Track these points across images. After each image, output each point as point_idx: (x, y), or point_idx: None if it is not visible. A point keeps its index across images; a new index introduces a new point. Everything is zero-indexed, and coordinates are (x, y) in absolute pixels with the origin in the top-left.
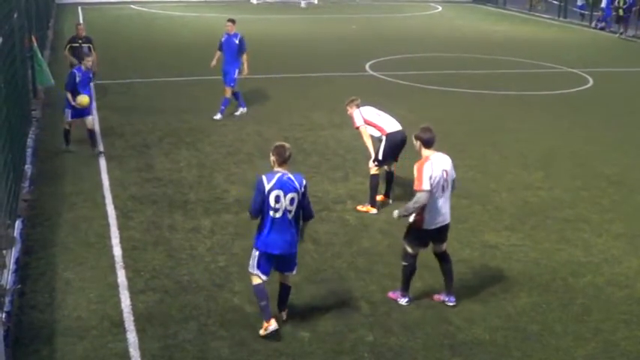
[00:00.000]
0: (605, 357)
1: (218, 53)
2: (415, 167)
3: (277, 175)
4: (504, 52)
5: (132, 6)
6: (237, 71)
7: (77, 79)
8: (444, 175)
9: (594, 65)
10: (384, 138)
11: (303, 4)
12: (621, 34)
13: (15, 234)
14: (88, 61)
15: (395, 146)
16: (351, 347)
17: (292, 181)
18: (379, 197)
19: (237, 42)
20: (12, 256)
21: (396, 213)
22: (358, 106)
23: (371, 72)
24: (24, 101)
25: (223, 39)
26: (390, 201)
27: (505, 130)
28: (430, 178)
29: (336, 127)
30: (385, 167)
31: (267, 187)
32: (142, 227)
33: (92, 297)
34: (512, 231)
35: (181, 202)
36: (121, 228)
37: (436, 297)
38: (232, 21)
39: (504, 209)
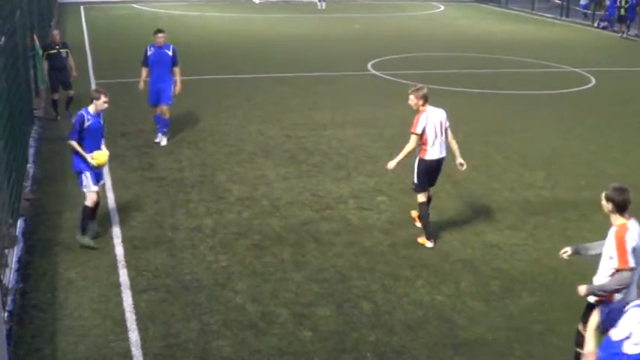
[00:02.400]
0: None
1: (145, 70)
2: (613, 238)
3: None
4: (507, 52)
5: (133, 5)
6: (172, 87)
7: (85, 124)
8: None
9: (597, 65)
10: (417, 159)
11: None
12: (623, 33)
13: (17, 233)
14: (104, 104)
15: (430, 171)
16: (353, 347)
17: None
18: (413, 213)
19: (170, 54)
20: (14, 255)
21: (584, 289)
22: (426, 99)
23: (373, 71)
24: (26, 100)
25: (150, 53)
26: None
27: (507, 130)
28: (634, 251)
29: (339, 127)
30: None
31: None
32: (143, 226)
33: (94, 296)
34: (515, 230)
35: (183, 202)
36: (123, 227)
37: None
38: (162, 31)
39: (506, 209)
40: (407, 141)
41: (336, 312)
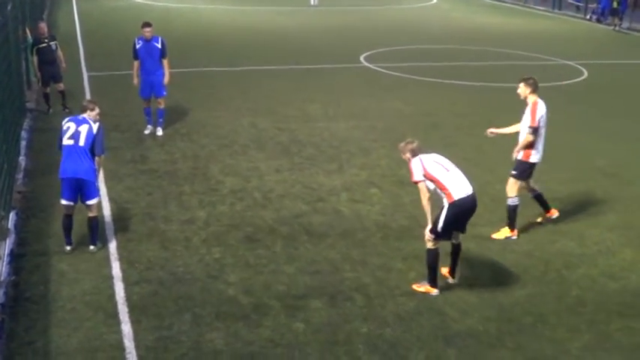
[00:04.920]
0: (599, 348)
1: (137, 63)
2: None
3: None
4: (499, 44)
5: None
6: (163, 79)
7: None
8: None
9: (589, 57)
10: (446, 204)
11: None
12: (615, 26)
13: (9, 226)
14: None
15: (462, 215)
16: (345, 338)
17: None
18: (444, 270)
19: (159, 46)
20: (6, 247)
21: None
22: (415, 152)
23: (366, 64)
24: (18, 93)
25: (139, 46)
26: (454, 280)
27: (499, 122)
28: None
29: (331, 119)
30: (452, 240)
31: None
32: (136, 219)
33: (87, 288)
34: None
35: (176, 194)
36: (116, 219)
37: None
38: (149, 24)
39: (499, 201)
40: (399, 133)
41: (329, 304)
